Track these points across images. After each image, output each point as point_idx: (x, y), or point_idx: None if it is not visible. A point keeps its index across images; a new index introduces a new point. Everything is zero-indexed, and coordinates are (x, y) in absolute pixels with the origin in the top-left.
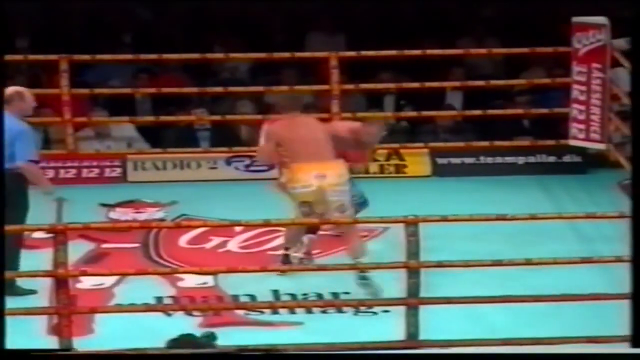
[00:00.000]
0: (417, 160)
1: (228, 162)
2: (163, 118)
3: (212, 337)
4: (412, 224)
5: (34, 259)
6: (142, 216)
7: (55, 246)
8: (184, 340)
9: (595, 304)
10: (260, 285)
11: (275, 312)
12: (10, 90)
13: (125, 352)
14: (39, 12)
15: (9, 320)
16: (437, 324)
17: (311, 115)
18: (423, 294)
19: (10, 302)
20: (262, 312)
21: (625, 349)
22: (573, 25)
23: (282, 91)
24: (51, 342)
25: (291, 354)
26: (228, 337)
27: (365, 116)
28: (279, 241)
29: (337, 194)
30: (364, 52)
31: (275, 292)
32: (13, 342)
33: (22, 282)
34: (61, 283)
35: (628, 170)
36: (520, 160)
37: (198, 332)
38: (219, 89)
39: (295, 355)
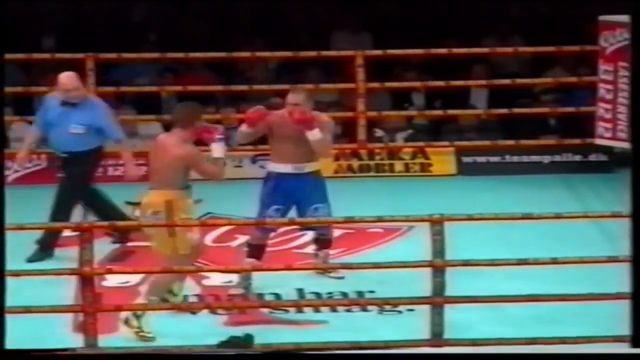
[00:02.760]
0: (443, 159)
1: (253, 160)
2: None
3: (250, 338)
4: (437, 223)
5: (60, 257)
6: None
7: (81, 244)
8: (233, 342)
9: (622, 304)
10: (285, 283)
11: (300, 311)
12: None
13: (126, 352)
14: (65, 11)
15: (33, 318)
16: (462, 323)
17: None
18: (448, 293)
19: (36, 300)
20: (286, 311)
21: (625, 349)
22: (600, 23)
23: (308, 90)
24: (76, 340)
25: (315, 353)
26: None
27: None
28: (305, 239)
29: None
30: (389, 51)
31: (300, 291)
32: (37, 340)
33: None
34: (87, 281)
35: None
36: (546, 159)
37: (236, 332)
38: (244, 88)
39: (319, 355)
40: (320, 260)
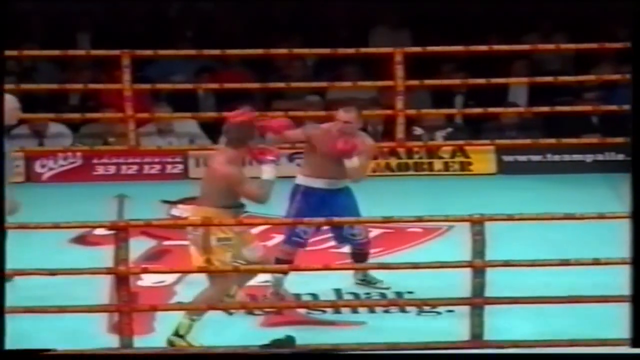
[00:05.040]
0: (483, 157)
1: (290, 158)
2: (226, 114)
3: (291, 340)
4: (477, 223)
5: (95, 256)
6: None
7: (116, 243)
8: (274, 344)
9: None
10: (323, 283)
11: (337, 312)
12: None
13: (126, 352)
14: (101, 7)
15: (68, 318)
16: (502, 325)
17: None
18: (488, 293)
19: (71, 299)
20: (324, 312)
21: (625, 349)
22: None
23: (346, 87)
24: (111, 341)
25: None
26: None
27: None
28: None
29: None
30: (429, 48)
31: (338, 291)
32: (71, 341)
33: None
34: (122, 280)
35: None
36: (589, 157)
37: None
38: (282, 85)
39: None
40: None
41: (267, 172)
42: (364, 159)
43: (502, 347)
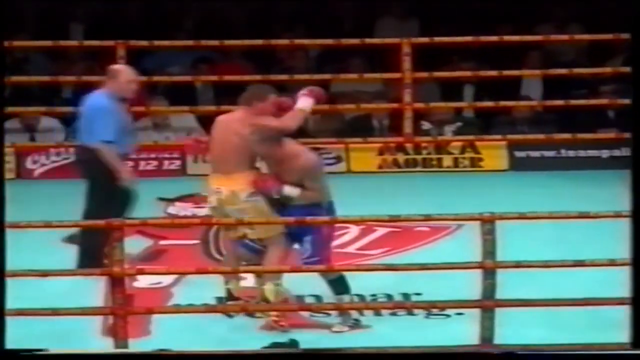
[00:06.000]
0: (494, 153)
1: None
2: (225, 108)
3: (294, 344)
4: (488, 222)
5: None
6: (202, 211)
7: (110, 243)
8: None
9: None
10: (326, 285)
11: (342, 314)
12: (110, 67)
13: (126, 352)
14: None
15: (61, 320)
16: (514, 328)
17: (243, 110)
18: (499, 295)
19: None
20: (327, 314)
21: (625, 349)
22: None
23: (351, 79)
24: (106, 344)
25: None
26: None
27: None
28: (348, 237)
29: (235, 213)
30: (437, 38)
31: None
32: (64, 344)
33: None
34: (117, 282)
35: None
36: (604, 153)
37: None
38: (284, 78)
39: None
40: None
41: (303, 104)
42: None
43: (514, 351)
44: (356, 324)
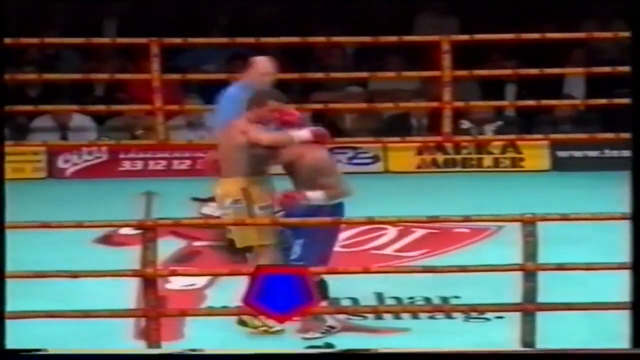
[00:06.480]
0: (536, 153)
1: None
2: None
3: (331, 348)
4: (529, 223)
5: (121, 257)
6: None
7: (143, 243)
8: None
9: None
10: (363, 287)
11: (379, 317)
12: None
13: (127, 352)
14: None
15: (92, 323)
16: (556, 332)
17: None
18: (541, 299)
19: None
20: (364, 317)
21: (625, 349)
22: None
23: (389, 77)
24: (138, 347)
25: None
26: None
27: None
28: (384, 239)
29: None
30: (478, 36)
31: (379, 295)
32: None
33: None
34: (149, 283)
35: None
36: None
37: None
38: (320, 75)
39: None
40: None
41: (298, 133)
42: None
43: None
44: (330, 331)
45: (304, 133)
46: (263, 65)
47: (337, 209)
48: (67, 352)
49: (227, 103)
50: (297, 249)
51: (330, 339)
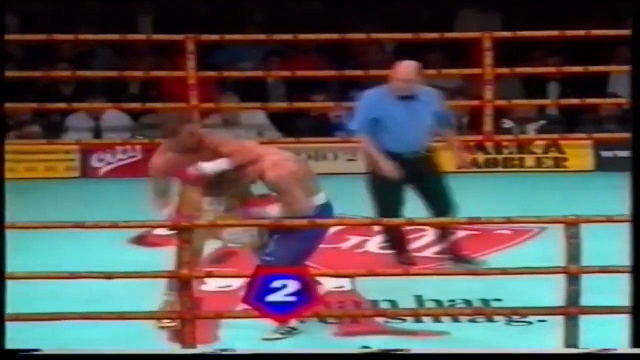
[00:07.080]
0: (579, 152)
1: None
2: (297, 104)
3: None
4: (572, 225)
5: (156, 258)
6: (273, 212)
7: (178, 244)
8: None
9: None
10: (402, 290)
11: (418, 320)
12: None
13: (126, 352)
14: None
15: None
16: (600, 336)
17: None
18: (584, 302)
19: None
20: (403, 320)
21: (625, 349)
22: None
23: (429, 75)
24: (173, 350)
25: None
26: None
27: None
28: (424, 241)
29: None
30: (520, 33)
31: (419, 298)
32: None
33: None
34: (185, 285)
35: None
36: None
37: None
38: (359, 73)
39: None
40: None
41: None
42: None
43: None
44: (290, 332)
45: (220, 164)
46: (403, 72)
47: (323, 209)
48: (67, 352)
49: (366, 105)
50: (271, 244)
51: (367, 342)
